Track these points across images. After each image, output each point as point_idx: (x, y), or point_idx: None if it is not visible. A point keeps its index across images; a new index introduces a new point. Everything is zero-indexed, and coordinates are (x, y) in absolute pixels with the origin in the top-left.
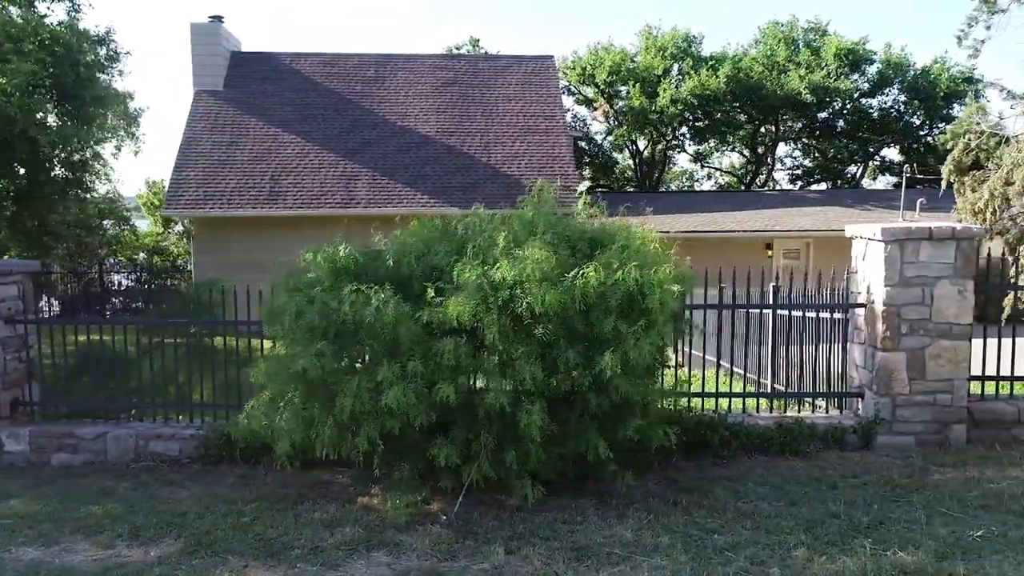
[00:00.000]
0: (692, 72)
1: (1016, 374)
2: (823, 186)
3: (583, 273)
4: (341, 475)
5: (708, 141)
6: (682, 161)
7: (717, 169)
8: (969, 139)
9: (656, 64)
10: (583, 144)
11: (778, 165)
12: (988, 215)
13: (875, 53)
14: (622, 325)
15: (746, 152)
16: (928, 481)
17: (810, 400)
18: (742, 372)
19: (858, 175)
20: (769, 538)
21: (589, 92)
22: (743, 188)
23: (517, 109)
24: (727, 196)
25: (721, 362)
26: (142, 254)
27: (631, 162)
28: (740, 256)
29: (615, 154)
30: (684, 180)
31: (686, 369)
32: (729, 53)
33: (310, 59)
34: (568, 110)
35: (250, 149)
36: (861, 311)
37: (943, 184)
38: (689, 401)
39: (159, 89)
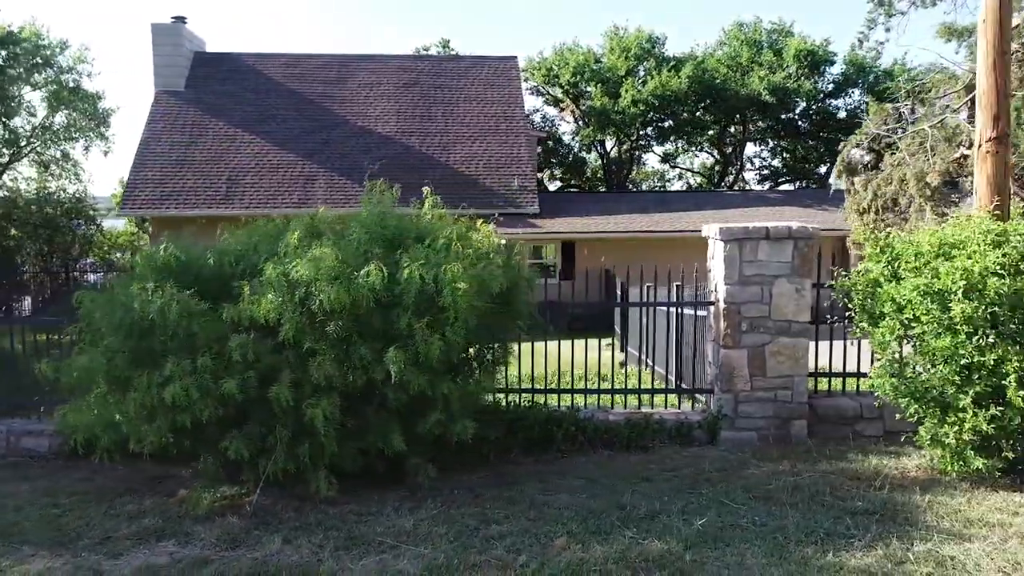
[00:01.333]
0: (655, 73)
1: (858, 371)
2: (791, 186)
3: (368, 272)
4: (192, 469)
5: (675, 141)
6: (653, 161)
7: (687, 169)
8: (860, 140)
9: (619, 65)
10: (551, 144)
11: (748, 165)
12: (872, 215)
13: (835, 55)
14: (415, 322)
15: (714, 153)
16: (737, 475)
17: (700, 395)
18: (661, 370)
19: (826, 175)
20: (542, 528)
21: (557, 93)
22: (711, 188)
23: (478, 110)
24: (691, 196)
25: (649, 361)
26: (118, 254)
27: (600, 162)
28: (693, 255)
29: (585, 154)
30: (656, 180)
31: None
32: (698, 54)
33: (273, 60)
34: (537, 110)
35: (209, 149)
36: (711, 309)
37: (832, 185)
38: (546, 397)
39: (140, 89)
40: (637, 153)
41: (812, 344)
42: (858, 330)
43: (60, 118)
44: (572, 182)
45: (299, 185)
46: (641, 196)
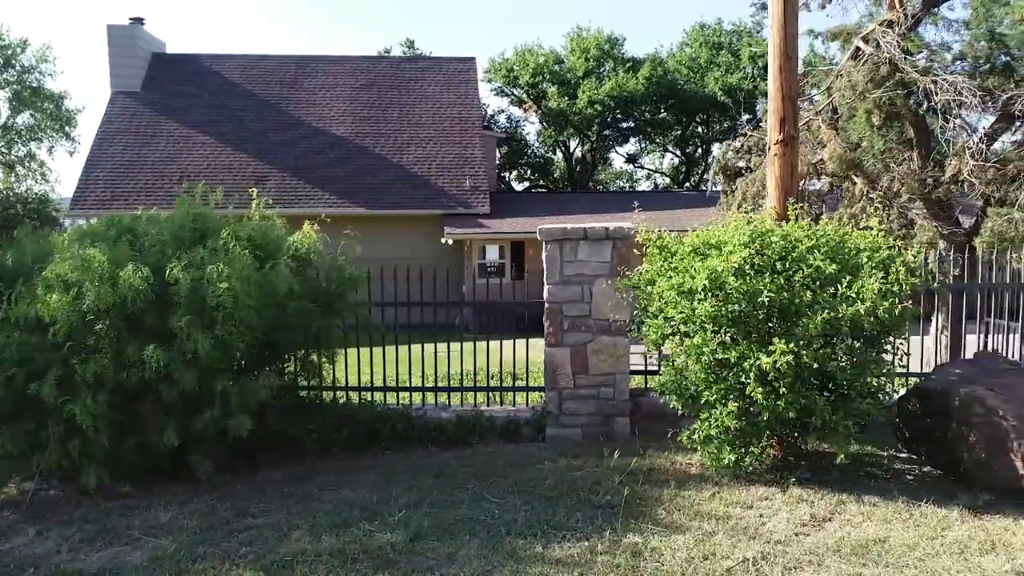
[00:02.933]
0: (613, 74)
1: None
2: None
3: (127, 272)
4: None
5: (638, 142)
6: (620, 162)
7: (654, 170)
8: (741, 142)
9: (578, 66)
10: (518, 144)
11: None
12: (740, 215)
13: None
14: (184, 322)
15: (678, 153)
16: (524, 471)
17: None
18: None
19: None
20: (293, 521)
21: (520, 94)
22: (670, 189)
23: (434, 111)
24: (649, 197)
25: None
26: None
27: (564, 163)
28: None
29: (551, 155)
30: (625, 181)
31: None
32: (662, 55)
33: (230, 61)
34: (502, 111)
35: (162, 150)
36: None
37: (711, 185)
38: (385, 395)
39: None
40: (600, 154)
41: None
42: (637, 329)
43: (24, 118)
44: (540, 182)
45: (250, 185)
46: (599, 196)
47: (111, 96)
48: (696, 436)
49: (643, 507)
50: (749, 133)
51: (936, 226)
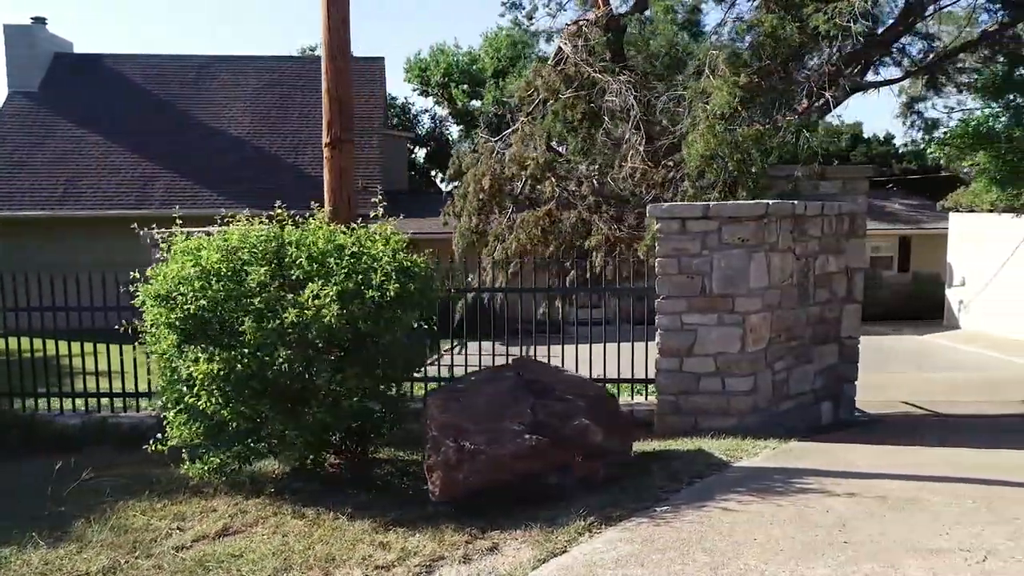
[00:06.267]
0: (519, 73)
1: None
2: None
3: None
4: None
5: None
6: None
7: None
8: (469, 148)
9: (488, 65)
10: (439, 144)
11: None
12: (464, 218)
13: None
14: None
15: None
16: (56, 484)
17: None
18: None
19: None
20: None
21: (436, 93)
22: None
23: None
24: None
25: None
26: None
27: None
28: None
29: None
30: None
31: None
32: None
33: (133, 61)
34: (426, 111)
35: (53, 150)
36: None
37: (445, 187)
38: (12, 400)
39: None
40: None
41: None
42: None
43: None
44: None
45: (138, 186)
46: None
47: (7, 96)
48: (154, 446)
49: (77, 518)
50: (481, 134)
51: (612, 228)
